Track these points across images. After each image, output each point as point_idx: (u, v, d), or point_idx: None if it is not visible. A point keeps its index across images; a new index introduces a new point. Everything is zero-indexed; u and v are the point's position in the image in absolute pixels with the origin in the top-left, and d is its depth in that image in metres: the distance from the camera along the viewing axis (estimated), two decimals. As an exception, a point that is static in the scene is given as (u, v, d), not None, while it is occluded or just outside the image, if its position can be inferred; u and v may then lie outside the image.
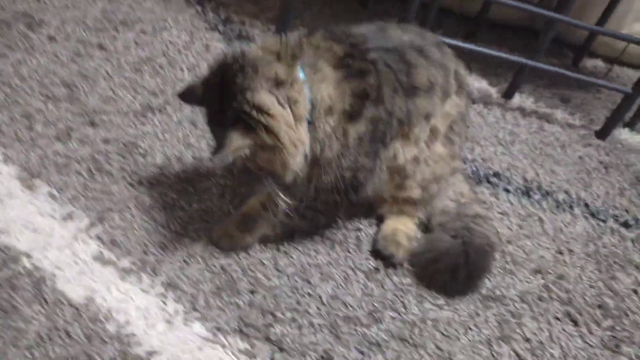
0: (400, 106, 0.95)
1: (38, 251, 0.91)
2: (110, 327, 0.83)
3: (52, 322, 0.81)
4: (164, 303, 0.88)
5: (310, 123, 0.88)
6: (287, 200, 0.93)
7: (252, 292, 0.94)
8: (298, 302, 0.94)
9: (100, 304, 0.85)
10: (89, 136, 1.18)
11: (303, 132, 0.87)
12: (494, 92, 1.92)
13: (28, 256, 0.90)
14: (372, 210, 1.16)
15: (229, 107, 0.83)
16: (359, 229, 1.13)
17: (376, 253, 1.07)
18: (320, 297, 0.96)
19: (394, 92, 0.93)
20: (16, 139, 1.12)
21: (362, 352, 0.89)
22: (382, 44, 0.95)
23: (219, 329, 0.86)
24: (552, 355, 0.98)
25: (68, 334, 0.80)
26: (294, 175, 0.90)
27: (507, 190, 1.40)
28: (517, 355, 0.96)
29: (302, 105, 0.85)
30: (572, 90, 2.06)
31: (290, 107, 0.84)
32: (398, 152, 1.01)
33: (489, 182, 1.42)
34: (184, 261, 0.96)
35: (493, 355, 0.94)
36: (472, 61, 2.07)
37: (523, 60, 1.78)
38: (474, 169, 1.45)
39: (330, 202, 0.99)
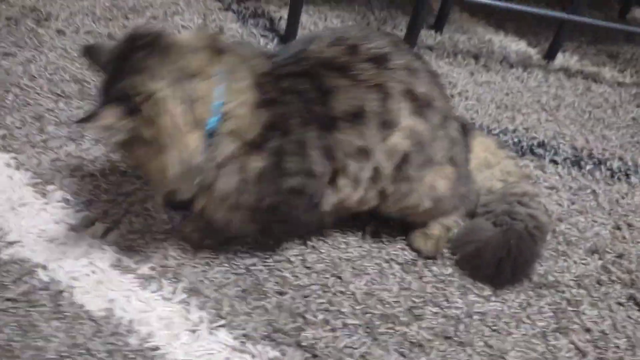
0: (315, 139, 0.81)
1: (54, 262, 0.86)
2: (133, 341, 0.77)
3: (72, 339, 0.76)
4: (187, 311, 0.82)
5: (212, 136, 0.75)
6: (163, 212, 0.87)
7: (280, 293, 0.87)
8: (330, 302, 0.87)
9: (120, 316, 0.80)
10: (102, 134, 1.13)
11: (194, 141, 0.73)
12: (533, 53, 1.77)
13: (44, 268, 0.85)
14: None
15: (118, 82, 0.71)
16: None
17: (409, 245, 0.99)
18: (353, 294, 0.89)
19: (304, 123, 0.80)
20: (28, 142, 1.07)
21: (403, 354, 0.81)
22: (294, 68, 0.81)
23: (246, 336, 0.80)
24: (617, 346, 0.88)
25: (89, 351, 0.75)
26: (174, 190, 0.81)
27: (555, 162, 1.28)
28: (577, 348, 0.86)
29: (205, 109, 0.73)
30: (620, 44, 1.88)
31: (190, 107, 0.72)
32: (342, 191, 0.87)
33: (533, 153, 1.30)
34: (206, 263, 0.90)
35: (550, 350, 0.85)
36: (507, 20, 1.91)
37: (564, 15, 1.63)
38: (516, 140, 1.33)
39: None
